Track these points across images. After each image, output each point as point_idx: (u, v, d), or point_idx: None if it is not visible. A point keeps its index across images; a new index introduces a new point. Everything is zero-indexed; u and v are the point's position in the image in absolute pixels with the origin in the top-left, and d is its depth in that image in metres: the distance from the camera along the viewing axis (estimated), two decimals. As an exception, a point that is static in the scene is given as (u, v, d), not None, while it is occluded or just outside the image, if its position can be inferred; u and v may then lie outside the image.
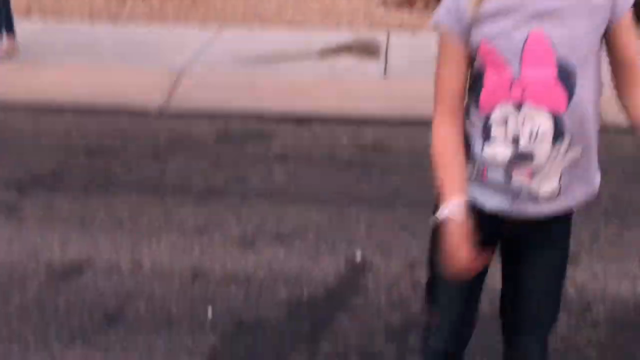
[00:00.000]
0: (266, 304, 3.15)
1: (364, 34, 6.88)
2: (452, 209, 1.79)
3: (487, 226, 1.89)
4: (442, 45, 1.85)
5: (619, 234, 3.70)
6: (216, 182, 4.26)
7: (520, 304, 2.07)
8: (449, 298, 2.06)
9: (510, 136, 1.80)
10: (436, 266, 1.98)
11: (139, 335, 2.96)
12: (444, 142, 1.87)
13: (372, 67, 6.12)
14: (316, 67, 6.07)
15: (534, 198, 1.84)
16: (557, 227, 1.98)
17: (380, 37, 6.73)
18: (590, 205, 2.02)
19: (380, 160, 4.59)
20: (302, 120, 5.11)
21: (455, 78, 1.84)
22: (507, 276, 2.10)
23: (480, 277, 1.98)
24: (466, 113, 1.89)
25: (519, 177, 1.81)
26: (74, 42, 6.56)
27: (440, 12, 1.82)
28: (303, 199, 4.08)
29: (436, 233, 1.94)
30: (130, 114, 5.30)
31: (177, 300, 3.18)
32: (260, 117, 5.14)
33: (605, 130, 4.47)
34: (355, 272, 3.39)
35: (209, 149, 4.75)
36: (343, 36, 6.79)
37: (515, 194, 1.84)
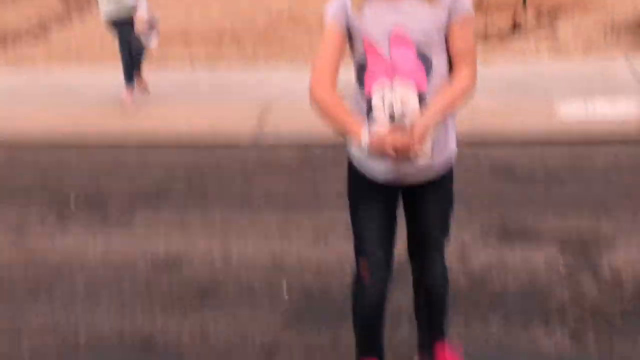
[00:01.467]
0: (334, 289, 3.72)
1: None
2: (366, 130, 2.36)
3: (384, 190, 2.57)
4: (327, 32, 2.48)
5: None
6: (296, 198, 4.92)
7: (424, 231, 2.73)
8: (374, 237, 2.64)
9: (387, 112, 2.39)
10: (355, 212, 2.67)
11: (226, 308, 3.64)
12: (327, 95, 2.45)
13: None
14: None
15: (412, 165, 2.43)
16: (438, 178, 2.59)
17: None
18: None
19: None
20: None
21: (335, 56, 2.46)
22: (411, 217, 2.73)
23: (391, 213, 2.65)
24: (354, 97, 2.52)
25: None
26: (177, 86, 7.46)
27: (332, 9, 2.47)
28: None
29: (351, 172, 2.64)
30: (224, 145, 6.08)
31: (259, 284, 3.84)
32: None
33: None
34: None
35: (293, 172, 5.43)
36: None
37: (397, 165, 2.43)
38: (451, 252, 3.86)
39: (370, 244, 2.65)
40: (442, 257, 2.82)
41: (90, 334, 3.51)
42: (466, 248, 3.98)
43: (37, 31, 10.59)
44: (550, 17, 9.35)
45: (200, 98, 7.11)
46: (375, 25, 2.40)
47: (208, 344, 3.38)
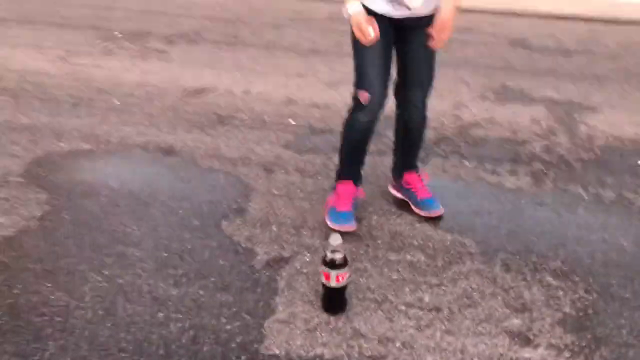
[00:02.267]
0: (334, 121, 4.10)
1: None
2: (354, 6, 2.78)
3: (381, 24, 2.84)
4: None
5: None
6: (319, 46, 5.27)
7: (410, 69, 3.04)
8: (373, 73, 2.95)
9: None
10: (357, 51, 2.93)
11: (239, 131, 4.08)
12: None
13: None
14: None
15: (406, 7, 2.78)
16: (427, 23, 2.85)
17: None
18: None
19: None
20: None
21: None
22: (400, 55, 3.02)
23: (387, 54, 2.96)
24: None
25: None
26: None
27: None
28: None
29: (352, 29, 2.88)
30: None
31: (270, 114, 4.26)
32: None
33: None
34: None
35: (320, 23, 5.75)
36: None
37: (396, 3, 2.79)
38: (448, 102, 4.25)
39: (370, 77, 2.96)
40: (424, 96, 3.12)
41: (121, 139, 4.00)
42: (463, 100, 4.32)
43: None
44: None
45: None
46: None
47: (219, 155, 3.84)
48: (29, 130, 4.04)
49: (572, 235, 3.11)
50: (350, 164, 3.24)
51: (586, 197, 3.40)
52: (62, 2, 6.42)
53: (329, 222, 3.15)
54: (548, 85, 4.60)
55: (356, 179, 3.23)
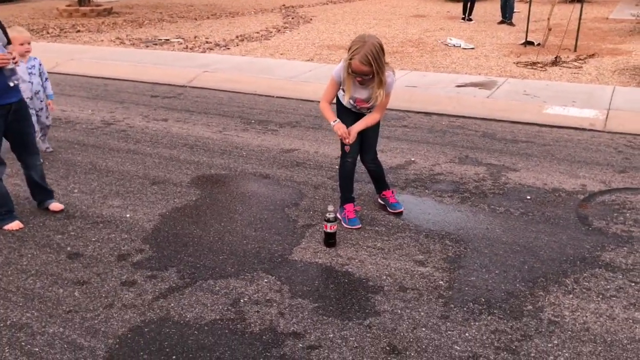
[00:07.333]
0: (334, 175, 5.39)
1: (490, 78, 8.76)
2: (335, 122, 4.06)
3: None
4: (331, 80, 4.10)
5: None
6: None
7: (366, 141, 4.28)
8: (351, 147, 4.20)
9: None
10: (343, 145, 4.23)
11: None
12: (324, 106, 4.12)
13: (484, 93, 8.01)
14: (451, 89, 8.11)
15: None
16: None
17: (500, 80, 8.56)
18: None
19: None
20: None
21: (333, 92, 4.13)
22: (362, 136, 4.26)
23: (357, 141, 4.18)
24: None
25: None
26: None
27: (336, 71, 4.05)
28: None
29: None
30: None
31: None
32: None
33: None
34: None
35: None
36: (478, 78, 8.73)
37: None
38: (430, 162, 5.45)
39: (350, 147, 4.29)
40: (376, 154, 4.42)
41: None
42: (438, 162, 5.54)
43: (264, 35, 12.91)
44: (587, 57, 10.21)
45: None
46: (354, 91, 4.05)
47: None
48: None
49: (470, 226, 4.31)
50: (345, 191, 4.37)
51: (487, 210, 4.55)
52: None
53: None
54: (493, 157, 5.70)
55: (352, 200, 4.45)
